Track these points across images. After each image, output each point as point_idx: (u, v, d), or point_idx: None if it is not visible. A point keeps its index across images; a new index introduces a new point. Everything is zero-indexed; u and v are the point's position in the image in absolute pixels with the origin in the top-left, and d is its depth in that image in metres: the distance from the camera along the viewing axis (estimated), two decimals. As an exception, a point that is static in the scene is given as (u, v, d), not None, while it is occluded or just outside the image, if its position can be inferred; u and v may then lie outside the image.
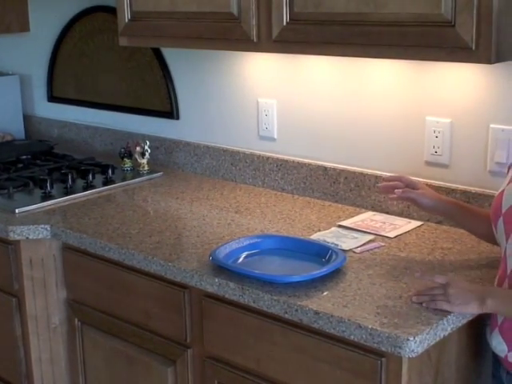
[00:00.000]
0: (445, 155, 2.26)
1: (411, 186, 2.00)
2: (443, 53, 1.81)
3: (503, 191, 1.71)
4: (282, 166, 2.67)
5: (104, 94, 3.29)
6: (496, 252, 1.96)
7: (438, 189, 2.25)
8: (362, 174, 2.44)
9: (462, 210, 1.97)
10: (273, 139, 2.71)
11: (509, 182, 1.70)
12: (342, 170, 2.50)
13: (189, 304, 2.04)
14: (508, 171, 1.80)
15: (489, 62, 1.75)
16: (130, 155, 2.98)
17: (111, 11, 3.00)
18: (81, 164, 2.98)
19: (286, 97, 2.64)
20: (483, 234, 1.95)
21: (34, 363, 2.46)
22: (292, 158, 2.64)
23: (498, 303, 1.62)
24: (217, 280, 1.90)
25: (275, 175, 2.69)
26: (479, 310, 1.64)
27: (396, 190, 1.97)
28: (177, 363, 2.11)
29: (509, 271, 1.64)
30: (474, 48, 1.75)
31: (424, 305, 1.68)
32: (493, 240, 1.83)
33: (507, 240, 1.65)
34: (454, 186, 2.24)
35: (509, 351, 1.67)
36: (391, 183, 2.03)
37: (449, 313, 1.65)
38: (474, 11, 1.74)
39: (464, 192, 2.21)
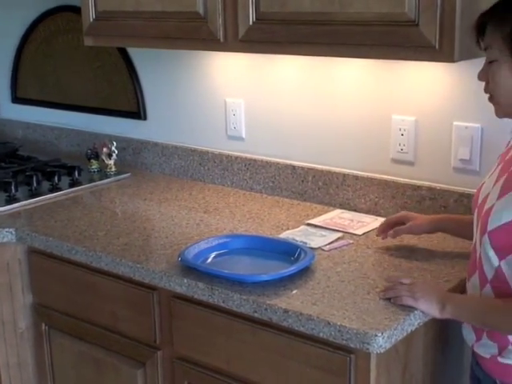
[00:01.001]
0: (410, 153, 2.30)
1: (401, 222, 2.07)
2: (407, 52, 1.85)
3: (483, 183, 1.76)
4: (251, 165, 2.69)
5: (70, 95, 3.29)
6: (461, 247, 2.02)
7: (404, 186, 2.30)
8: (329, 172, 2.48)
9: (452, 222, 2.04)
10: (241, 139, 2.74)
11: (491, 174, 1.75)
12: (310, 169, 2.53)
13: (158, 305, 2.05)
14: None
15: (452, 60, 1.79)
16: (97, 156, 2.98)
17: (76, 11, 2.98)
18: (46, 166, 2.96)
19: (254, 96, 2.67)
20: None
21: (2, 368, 2.45)
22: (260, 158, 2.67)
23: (457, 311, 1.67)
24: (186, 281, 1.91)
25: (244, 175, 2.72)
26: (439, 315, 1.69)
27: (388, 234, 2.07)
28: (146, 365, 2.12)
29: (477, 260, 1.69)
30: (437, 47, 1.80)
31: (391, 300, 1.72)
32: None
33: (477, 231, 1.70)
34: (419, 182, 2.29)
35: (476, 341, 1.72)
36: (383, 228, 2.10)
37: (415, 308, 1.69)
38: (438, 10, 1.78)
39: (429, 189, 2.26)
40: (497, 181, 1.66)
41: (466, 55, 1.82)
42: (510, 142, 1.78)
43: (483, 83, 1.67)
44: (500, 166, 1.70)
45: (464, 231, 1.99)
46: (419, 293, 1.70)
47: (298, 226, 2.29)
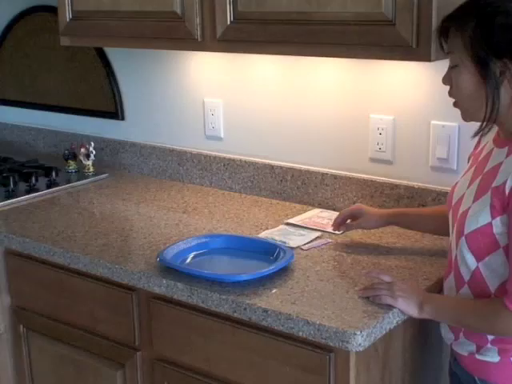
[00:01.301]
0: (388, 152, 2.31)
1: (354, 215, 2.10)
2: (384, 51, 1.86)
3: (457, 183, 1.77)
4: (229, 165, 2.69)
5: (47, 95, 3.27)
6: (439, 244, 2.03)
7: (382, 185, 2.31)
8: (308, 171, 2.49)
9: (405, 216, 2.06)
10: (219, 138, 2.74)
11: (464, 174, 1.76)
12: (289, 168, 2.54)
13: (137, 306, 2.04)
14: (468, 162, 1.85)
15: (429, 59, 1.81)
16: (75, 157, 2.96)
17: (52, 11, 2.98)
18: (23, 167, 2.95)
19: (232, 96, 2.67)
20: (432, 229, 2.05)
21: (-20, 371, 2.45)
22: (239, 157, 2.67)
23: (435, 311, 1.68)
24: (165, 281, 1.91)
25: (222, 174, 2.72)
26: (418, 315, 1.70)
27: (340, 228, 2.11)
28: (126, 366, 2.12)
29: (453, 261, 1.70)
30: (414, 46, 1.81)
31: (370, 299, 1.73)
32: (445, 232, 1.90)
33: (452, 232, 1.71)
34: (397, 181, 2.30)
35: (454, 340, 1.74)
36: (338, 222, 2.13)
37: (394, 307, 1.70)
38: (414, 10, 1.79)
39: (407, 187, 2.27)
40: (471, 182, 1.67)
41: (443, 55, 1.81)
42: (479, 141, 1.79)
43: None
44: (473, 168, 1.71)
45: (417, 225, 2.05)
46: (398, 292, 1.71)
47: (277, 225, 2.29)
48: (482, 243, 1.60)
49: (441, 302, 1.72)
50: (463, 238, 1.62)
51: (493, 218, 1.56)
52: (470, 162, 1.78)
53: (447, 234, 1.83)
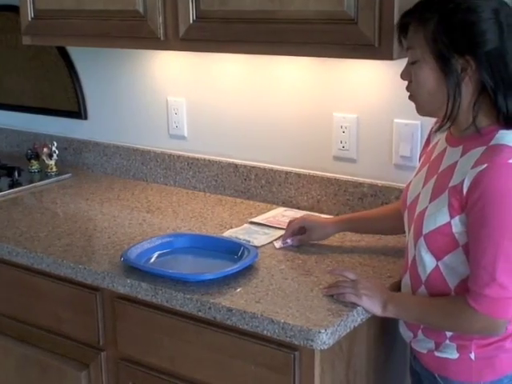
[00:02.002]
0: (352, 150, 2.31)
1: (303, 228, 2.09)
2: (347, 50, 1.86)
3: (410, 183, 1.77)
4: (193, 164, 2.68)
5: (9, 94, 3.23)
6: (402, 242, 2.03)
7: (345, 183, 2.32)
8: (272, 170, 2.48)
9: (354, 221, 2.06)
10: (183, 137, 2.72)
11: (417, 173, 1.76)
12: (253, 167, 2.53)
13: (101, 306, 2.02)
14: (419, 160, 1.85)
15: (391, 58, 1.81)
16: (38, 157, 2.94)
17: (14, 10, 2.94)
18: (-15, 167, 2.92)
19: (195, 95, 2.65)
20: (384, 230, 2.06)
21: None
22: (203, 156, 2.66)
23: (399, 310, 1.69)
24: (129, 281, 1.89)
25: (186, 174, 2.70)
26: (381, 313, 1.70)
27: (288, 240, 2.08)
28: (90, 367, 2.10)
29: (409, 264, 1.71)
30: (376, 45, 1.81)
31: (334, 297, 1.72)
32: (400, 230, 1.90)
33: (408, 233, 1.72)
34: (361, 179, 2.30)
35: (413, 338, 1.74)
36: (286, 237, 2.11)
37: (358, 305, 1.70)
38: (376, 8, 1.79)
39: (371, 185, 2.27)
40: (426, 182, 1.67)
41: (405, 53, 1.83)
42: (429, 139, 1.80)
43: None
44: (426, 167, 1.71)
45: (372, 228, 2.06)
46: (363, 290, 1.70)
47: (241, 224, 2.28)
48: (440, 243, 1.60)
49: (404, 301, 1.72)
50: (422, 238, 1.62)
51: (451, 217, 1.56)
52: (422, 160, 1.78)
53: (401, 233, 1.85)
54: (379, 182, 2.27)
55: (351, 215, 2.12)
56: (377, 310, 1.70)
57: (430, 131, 1.82)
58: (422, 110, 1.65)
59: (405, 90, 2.16)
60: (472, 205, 1.51)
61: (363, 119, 2.28)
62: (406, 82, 1.92)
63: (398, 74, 2.15)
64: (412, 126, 2.18)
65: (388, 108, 2.22)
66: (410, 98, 1.65)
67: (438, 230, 1.59)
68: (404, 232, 1.86)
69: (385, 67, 2.17)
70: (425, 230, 1.61)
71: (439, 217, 1.58)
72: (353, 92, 2.28)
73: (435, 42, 1.53)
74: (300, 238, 2.08)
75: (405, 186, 1.88)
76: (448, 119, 1.58)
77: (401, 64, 1.78)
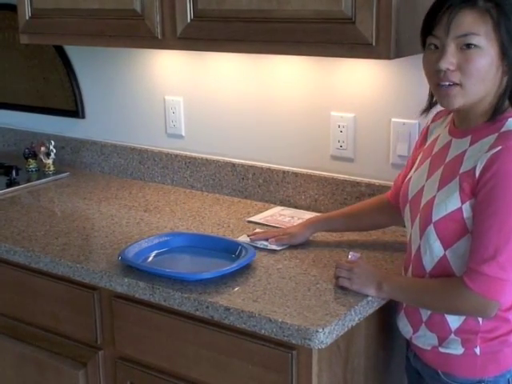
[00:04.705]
0: (349, 149, 2.31)
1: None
2: (344, 49, 1.86)
3: (410, 179, 1.77)
4: (191, 163, 2.67)
5: (6, 93, 3.22)
6: (400, 241, 2.03)
7: (343, 182, 2.31)
8: (269, 169, 2.48)
9: (322, 222, 2.08)
10: (181, 136, 2.72)
11: (416, 168, 1.76)
12: (250, 166, 2.52)
13: (99, 305, 2.02)
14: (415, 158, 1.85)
15: (388, 57, 1.80)
16: (35, 156, 2.93)
17: (11, 8, 2.93)
18: (-18, 166, 2.92)
19: (193, 94, 2.65)
20: (365, 226, 2.10)
21: None
22: (200, 155, 2.66)
23: (393, 289, 1.71)
24: (126, 280, 1.89)
25: (184, 173, 2.70)
26: (376, 293, 1.72)
27: (270, 241, 2.07)
28: (88, 366, 2.09)
29: (412, 256, 1.71)
30: (374, 44, 1.80)
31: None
32: (378, 226, 2.05)
33: (412, 226, 1.71)
34: (358, 179, 2.30)
35: (413, 333, 1.74)
36: (260, 237, 2.12)
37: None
38: (374, 8, 1.79)
39: (368, 185, 2.27)
40: (430, 174, 1.68)
41: (403, 52, 1.83)
42: (423, 139, 1.81)
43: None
44: (428, 161, 1.71)
45: (335, 227, 2.09)
46: (356, 274, 1.74)
47: (238, 223, 2.27)
48: (450, 229, 1.60)
49: (399, 281, 1.75)
50: (431, 225, 1.62)
51: (462, 202, 1.57)
52: (420, 157, 1.78)
53: (382, 227, 1.97)
54: (377, 182, 2.26)
55: (316, 217, 2.13)
56: (371, 291, 1.72)
57: (427, 129, 1.83)
58: (462, 100, 1.57)
59: (402, 90, 2.17)
60: (483, 185, 1.53)
61: (361, 118, 2.28)
62: (402, 82, 1.93)
63: (396, 72, 2.17)
64: (409, 125, 2.17)
65: (385, 107, 2.22)
66: (449, 87, 1.56)
67: (448, 216, 1.59)
68: (383, 227, 2.00)
69: (382, 66, 2.17)
70: (434, 218, 1.61)
71: (450, 203, 1.58)
72: (350, 91, 2.28)
73: (499, 30, 1.52)
74: (281, 237, 2.07)
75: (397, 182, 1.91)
76: (501, 104, 1.58)
77: (399, 63, 1.78)
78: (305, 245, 2.08)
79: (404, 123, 2.19)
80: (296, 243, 2.07)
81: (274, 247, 2.05)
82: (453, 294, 1.58)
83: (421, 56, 1.64)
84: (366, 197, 2.26)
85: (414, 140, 2.16)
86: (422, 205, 1.67)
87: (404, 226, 1.81)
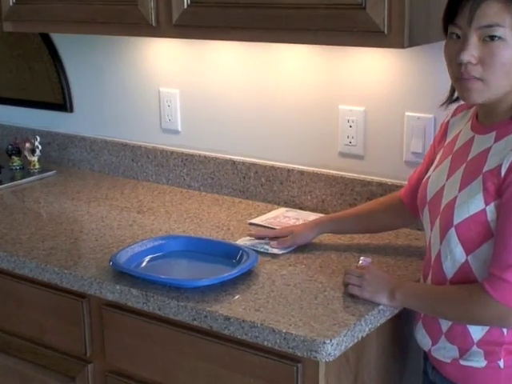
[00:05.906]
0: (359, 146, 2.31)
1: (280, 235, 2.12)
2: (354, 37, 1.86)
3: (428, 178, 1.77)
4: (188, 160, 2.68)
5: (-13, 86, 3.24)
6: (414, 245, 2.03)
7: (352, 181, 2.32)
8: (273, 167, 2.48)
9: (333, 223, 2.09)
10: (177, 132, 2.72)
11: (436, 167, 1.76)
12: (252, 164, 2.53)
13: (88, 314, 2.02)
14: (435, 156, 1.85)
15: (401, 46, 1.80)
16: (19, 152, 2.94)
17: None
18: (-37, 163, 2.92)
19: (190, 86, 2.65)
20: (375, 228, 2.10)
21: None
22: (198, 152, 2.66)
23: (407, 297, 1.71)
24: (118, 287, 1.89)
25: (180, 171, 2.70)
26: (388, 302, 1.73)
27: (271, 244, 2.08)
28: (76, 380, 2.09)
29: (432, 262, 1.71)
30: (386, 32, 1.80)
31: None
32: (390, 228, 2.05)
33: (431, 229, 1.71)
34: (369, 178, 2.30)
35: (432, 345, 1.73)
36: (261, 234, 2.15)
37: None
38: (386, -8, 1.79)
39: (380, 184, 2.27)
40: (451, 173, 1.68)
41: (417, 41, 1.83)
42: (443, 135, 1.81)
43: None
44: (449, 159, 1.71)
45: (342, 228, 2.10)
46: (367, 281, 1.75)
47: (239, 226, 2.28)
48: (474, 232, 1.60)
49: (413, 288, 1.75)
50: (452, 229, 1.62)
51: (486, 204, 1.57)
52: (440, 154, 1.78)
53: (393, 229, 1.98)
54: (389, 181, 2.26)
55: (327, 217, 2.14)
56: (382, 299, 1.73)
57: (447, 124, 1.82)
58: (484, 96, 1.58)
59: (417, 81, 2.17)
60: (508, 184, 1.53)
61: (371, 112, 2.28)
62: (417, 73, 1.93)
63: (409, 63, 2.16)
64: (425, 119, 2.17)
65: (398, 100, 2.22)
66: (470, 81, 1.56)
67: (471, 219, 1.59)
68: (395, 228, 1.99)
69: (395, 56, 2.17)
70: (456, 220, 1.61)
71: (473, 204, 1.58)
72: (360, 83, 2.28)
73: None
74: (284, 240, 2.08)
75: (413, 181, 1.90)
76: None
77: (412, 52, 1.78)
78: (311, 249, 2.08)
79: (418, 117, 2.19)
80: (298, 244, 2.08)
81: (275, 251, 2.05)
82: (472, 302, 1.58)
83: (437, 45, 1.64)
84: (378, 197, 2.26)
85: (429, 136, 2.16)
86: (442, 206, 1.67)
87: (418, 229, 1.82)
